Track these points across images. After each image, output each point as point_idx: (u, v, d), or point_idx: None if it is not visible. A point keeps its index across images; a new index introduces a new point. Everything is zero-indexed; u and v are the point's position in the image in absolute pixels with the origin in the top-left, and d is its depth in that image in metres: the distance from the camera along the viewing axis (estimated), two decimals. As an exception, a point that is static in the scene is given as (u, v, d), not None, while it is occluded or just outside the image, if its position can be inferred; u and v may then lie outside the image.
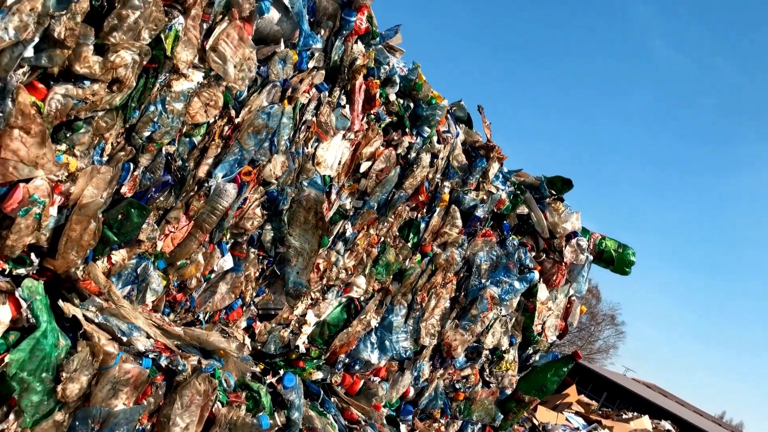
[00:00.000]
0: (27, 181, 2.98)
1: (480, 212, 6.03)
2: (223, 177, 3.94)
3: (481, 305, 6.31)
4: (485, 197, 6.08)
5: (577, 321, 8.08)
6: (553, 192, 6.84)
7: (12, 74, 2.80)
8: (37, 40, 2.81)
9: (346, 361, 5.45)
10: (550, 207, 6.86)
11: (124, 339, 3.45)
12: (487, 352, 6.80)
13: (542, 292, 7.08)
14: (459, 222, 5.93)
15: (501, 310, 6.57)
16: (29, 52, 2.82)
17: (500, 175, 6.30)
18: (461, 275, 6.24)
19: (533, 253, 6.89)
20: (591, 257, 7.49)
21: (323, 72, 4.33)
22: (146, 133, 3.42)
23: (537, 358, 7.55)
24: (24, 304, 3.07)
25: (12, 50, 2.76)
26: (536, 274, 6.79)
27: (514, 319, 6.96)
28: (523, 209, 6.67)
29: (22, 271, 3.21)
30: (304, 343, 5.03)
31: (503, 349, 6.96)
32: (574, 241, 7.12)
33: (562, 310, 7.60)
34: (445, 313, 6.17)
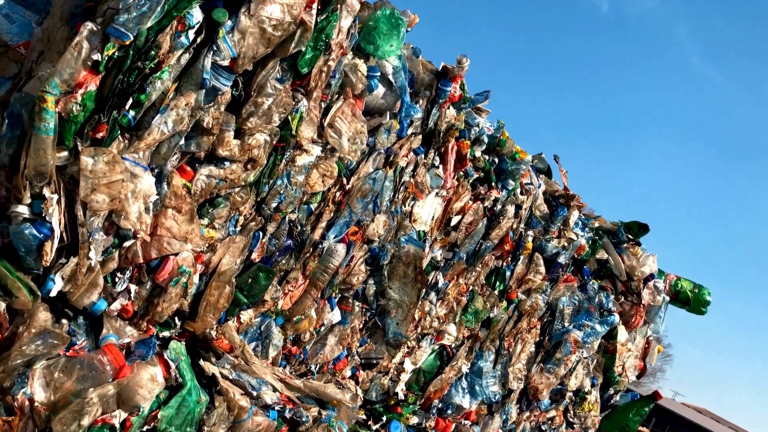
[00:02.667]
0: (176, 253, 3.34)
1: (562, 259, 6.23)
2: (334, 238, 4.26)
3: (564, 349, 6.48)
4: (566, 244, 6.28)
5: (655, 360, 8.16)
6: (630, 237, 7.00)
7: (168, 161, 3.18)
8: (188, 130, 3.19)
9: (440, 405, 5.68)
10: (627, 251, 7.01)
11: (255, 393, 3.77)
12: (570, 393, 6.95)
13: (622, 333, 7.20)
14: (542, 269, 6.14)
15: (583, 352, 6.72)
16: (182, 141, 3.20)
17: (579, 222, 6.51)
18: (545, 320, 6.44)
19: (612, 296, 7.04)
20: (668, 298, 7.59)
21: (420, 137, 4.64)
22: (274, 204, 3.77)
23: (618, 398, 7.66)
24: (172, 365, 3.41)
25: (170, 141, 3.13)
26: (616, 317, 6.93)
27: (595, 360, 7.10)
28: (601, 254, 6.85)
29: (166, 333, 3.55)
30: (402, 389, 5.29)
31: (586, 390, 7.10)
32: (651, 283, 7.25)
33: (641, 350, 7.70)
34: (530, 358, 6.36)
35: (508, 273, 5.92)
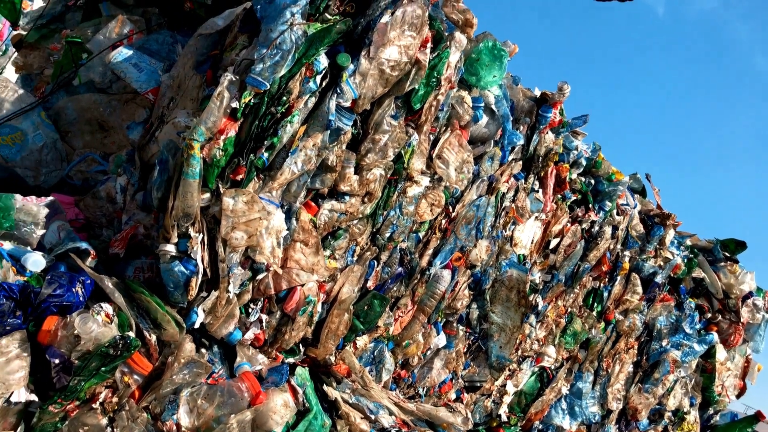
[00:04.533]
0: (302, 284, 3.52)
1: (659, 278, 6.22)
2: (440, 265, 4.39)
3: (663, 368, 6.45)
4: (663, 263, 6.27)
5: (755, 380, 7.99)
6: (727, 254, 6.92)
7: (297, 198, 3.37)
8: (315, 168, 3.38)
9: (540, 427, 5.73)
10: (724, 269, 6.93)
11: (373, 417, 3.92)
12: (669, 413, 6.88)
13: (720, 352, 7.11)
14: (639, 289, 6.14)
15: (681, 372, 6.67)
16: (309, 179, 3.39)
17: (675, 241, 6.47)
18: (642, 340, 6.42)
19: (709, 315, 6.95)
20: (767, 316, 7.44)
21: (520, 162, 4.74)
22: (387, 234, 3.93)
23: (717, 418, 7.52)
24: (299, 390, 3.58)
25: (299, 180, 3.33)
26: (715, 336, 6.85)
27: (693, 380, 7.02)
28: (698, 272, 6.78)
29: (291, 360, 3.73)
30: (504, 411, 5.36)
31: (684, 410, 7.02)
32: (750, 300, 7.14)
33: (741, 369, 7.56)
34: (629, 378, 6.35)
35: (605, 294, 5.95)
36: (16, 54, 7.18)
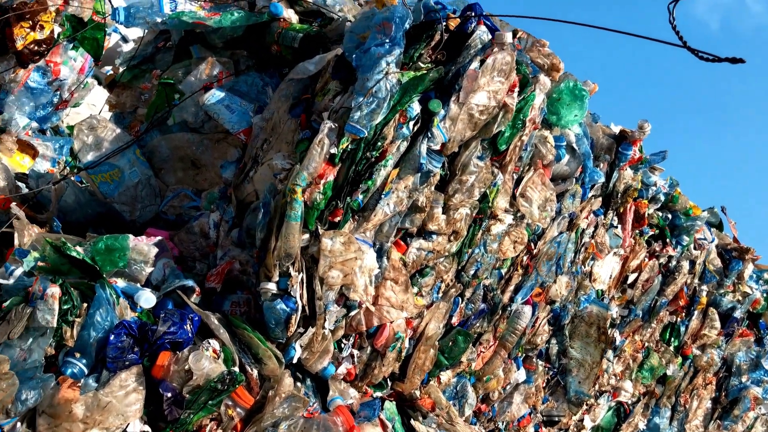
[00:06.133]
0: (391, 320, 3.63)
1: (737, 313, 6.15)
2: (521, 300, 4.45)
3: (743, 405, 6.34)
4: (741, 298, 6.18)
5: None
6: (808, 288, 6.77)
7: (389, 238, 3.49)
8: (406, 210, 3.49)
9: (617, 462, 5.68)
10: (805, 303, 6.78)
11: (457, 451, 3.97)
12: (748, 452, 6.73)
13: (802, 389, 6.92)
14: (717, 324, 6.07)
15: (762, 409, 6.53)
16: (400, 219, 3.51)
17: (754, 275, 6.38)
18: (721, 375, 6.33)
19: (789, 351, 6.80)
20: None
21: (600, 199, 4.78)
22: (472, 271, 4.02)
23: (799, 457, 7.31)
24: (389, 425, 3.67)
25: (391, 220, 3.45)
26: (797, 372, 6.68)
27: (773, 417, 6.85)
28: (778, 307, 6.66)
29: (379, 394, 3.83)
30: (581, 447, 5.35)
31: (764, 448, 6.84)
32: (832, 335, 6.94)
33: (823, 406, 7.34)
34: (707, 414, 6.26)
35: (682, 329, 5.90)
36: (104, 91, 7.55)
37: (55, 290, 2.68)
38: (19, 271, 2.80)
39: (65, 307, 2.72)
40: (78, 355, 2.70)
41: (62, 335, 2.69)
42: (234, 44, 4.45)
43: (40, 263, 2.92)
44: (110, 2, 6.33)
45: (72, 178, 4.24)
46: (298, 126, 3.58)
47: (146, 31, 4.74)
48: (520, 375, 4.74)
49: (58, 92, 6.68)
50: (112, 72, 6.54)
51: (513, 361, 4.66)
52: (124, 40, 7.03)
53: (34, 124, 6.68)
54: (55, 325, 2.65)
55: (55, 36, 5.65)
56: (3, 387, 2.45)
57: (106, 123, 4.32)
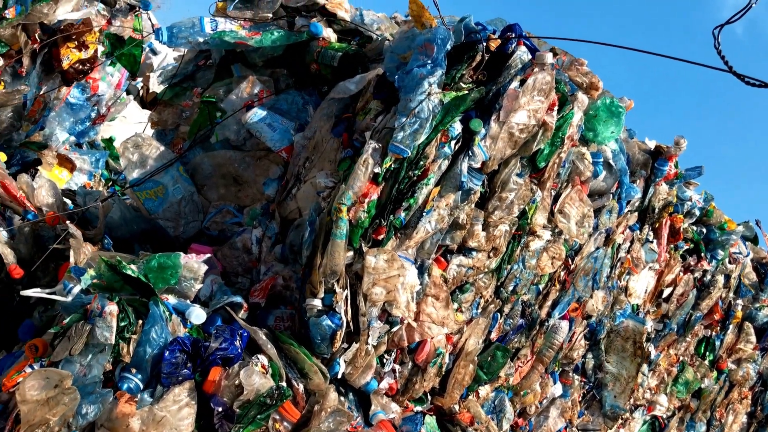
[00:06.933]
0: (432, 336, 3.68)
1: (773, 327, 6.10)
2: (558, 315, 4.48)
3: (779, 420, 6.28)
4: (777, 312, 6.15)
5: None
6: None
7: (430, 255, 3.55)
8: (447, 227, 3.55)
9: (652, 477, 5.67)
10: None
11: (496, 465, 4.01)
12: (785, 467, 6.67)
13: (839, 404, 6.85)
14: (753, 338, 6.05)
15: (798, 424, 6.47)
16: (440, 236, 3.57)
17: (790, 289, 6.34)
18: (756, 390, 6.29)
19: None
20: None
21: (636, 214, 4.80)
22: (510, 287, 4.06)
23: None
24: (429, 439, 3.72)
25: (432, 238, 3.51)
26: (833, 387, 6.62)
27: (810, 432, 6.78)
28: (814, 321, 6.60)
29: (419, 408, 3.88)
30: (617, 460, 5.35)
31: (801, 464, 6.78)
32: None
33: None
34: (742, 429, 6.23)
35: (717, 343, 5.89)
36: (136, 105, 7.70)
37: (113, 308, 2.77)
38: (77, 289, 2.90)
39: (122, 324, 2.81)
40: (134, 370, 2.79)
41: (119, 351, 2.78)
42: (274, 63, 4.53)
43: (95, 281, 3.02)
44: (151, 21, 6.49)
45: (119, 196, 4.35)
46: (341, 145, 3.66)
47: (186, 50, 4.84)
48: (557, 389, 4.77)
49: (96, 107, 6.86)
50: (142, 84, 6.68)
51: (550, 375, 4.69)
52: (153, 52, 7.18)
53: (72, 139, 6.85)
54: (113, 341, 2.74)
55: (98, 55, 5.81)
56: (65, 401, 2.54)
57: (150, 141, 4.42)
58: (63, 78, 5.68)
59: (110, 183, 7.87)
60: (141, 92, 6.95)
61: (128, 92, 7.30)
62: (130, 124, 8.24)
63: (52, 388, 2.54)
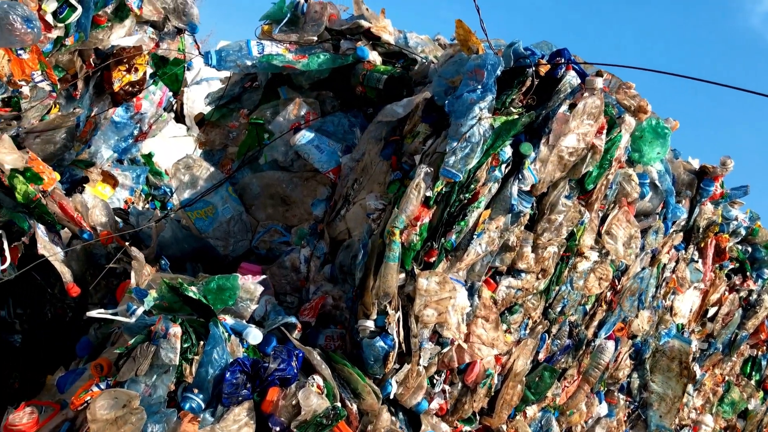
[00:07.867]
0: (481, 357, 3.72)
1: (821, 347, 6.02)
2: (604, 336, 4.49)
3: (827, 442, 6.19)
4: (824, 332, 6.06)
5: None
6: None
7: (481, 277, 3.59)
8: (498, 249, 3.59)
9: (698, 498, 5.62)
10: None
11: (544, 486, 4.02)
12: (833, 489, 6.55)
13: None
14: (800, 358, 5.97)
15: None
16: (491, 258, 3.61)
17: (837, 308, 6.26)
18: (804, 411, 6.20)
19: None
20: None
21: (681, 234, 4.79)
22: (558, 308, 4.09)
23: None
24: (478, 458, 3.75)
25: (482, 260, 3.55)
26: None
27: None
28: None
29: (468, 428, 3.91)
30: (663, 481, 5.31)
31: None
32: None
33: None
34: (790, 450, 6.13)
35: (764, 362, 5.83)
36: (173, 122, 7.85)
37: (177, 330, 2.85)
38: (140, 311, 2.99)
39: (184, 345, 2.89)
40: (196, 390, 2.86)
41: (182, 372, 2.86)
42: (319, 85, 4.61)
43: (156, 302, 3.11)
44: (197, 44, 6.63)
45: (172, 216, 4.45)
46: (389, 167, 3.72)
47: (233, 72, 4.94)
48: (602, 409, 4.76)
49: (138, 125, 7.02)
50: (177, 99, 6.82)
51: (595, 395, 4.69)
52: (187, 68, 7.32)
53: (115, 156, 7.01)
54: (177, 362, 2.82)
55: (147, 77, 5.96)
56: (133, 421, 2.62)
57: (201, 162, 4.51)
58: (113, 99, 5.83)
59: (150, 198, 8.03)
60: (175, 106, 7.12)
61: (165, 109, 7.46)
62: (164, 138, 8.38)
63: (121, 407, 2.62)
